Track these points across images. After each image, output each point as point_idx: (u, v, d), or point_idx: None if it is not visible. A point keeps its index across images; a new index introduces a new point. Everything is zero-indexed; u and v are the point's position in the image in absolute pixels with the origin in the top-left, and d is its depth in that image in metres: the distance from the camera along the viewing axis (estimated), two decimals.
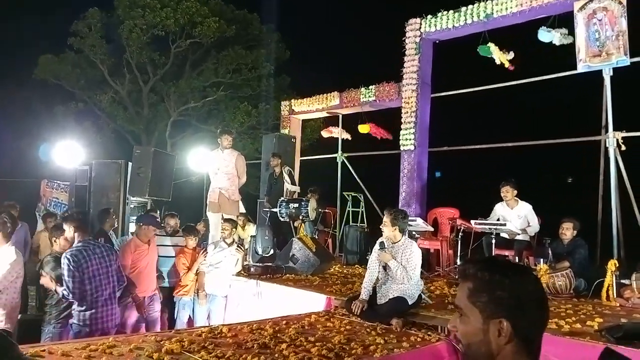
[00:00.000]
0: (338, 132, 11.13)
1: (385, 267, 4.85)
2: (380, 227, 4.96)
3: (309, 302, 5.68)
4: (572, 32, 6.92)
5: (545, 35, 7.07)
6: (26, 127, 18.37)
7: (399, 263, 4.72)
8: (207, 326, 4.50)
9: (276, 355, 3.49)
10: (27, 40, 19.36)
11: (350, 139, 11.12)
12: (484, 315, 1.31)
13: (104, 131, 19.03)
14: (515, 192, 6.82)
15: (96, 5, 17.52)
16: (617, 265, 5.47)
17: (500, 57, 7.68)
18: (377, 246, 4.95)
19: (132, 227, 8.35)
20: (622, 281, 5.53)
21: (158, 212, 8.11)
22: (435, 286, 6.15)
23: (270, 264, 7.02)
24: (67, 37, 17.66)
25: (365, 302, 4.82)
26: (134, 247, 5.54)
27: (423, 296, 5.00)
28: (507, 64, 7.73)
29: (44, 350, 3.34)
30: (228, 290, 6.50)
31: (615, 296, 5.34)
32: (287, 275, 6.80)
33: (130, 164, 8.95)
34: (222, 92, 18.17)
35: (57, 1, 20.65)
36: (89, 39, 17.37)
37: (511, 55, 7.69)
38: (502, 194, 6.86)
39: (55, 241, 4.78)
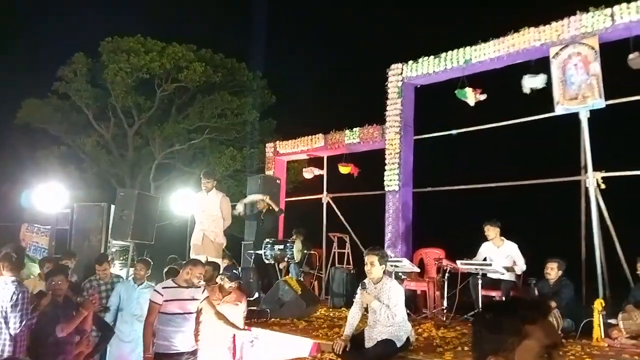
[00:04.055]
0: (320, 171, 11.15)
1: (368, 309, 4.78)
2: (367, 270, 4.81)
3: (295, 347, 5.56)
4: (548, 76, 7.16)
5: (530, 81, 7.26)
6: (7, 171, 18.15)
7: (381, 303, 4.64)
8: None
9: None
10: (8, 85, 19.37)
11: (325, 176, 11.09)
12: (480, 359, 1.29)
13: (87, 174, 18.88)
14: (498, 230, 6.86)
15: (81, 50, 17.76)
16: (603, 304, 5.48)
17: (472, 97, 7.90)
18: (360, 286, 4.90)
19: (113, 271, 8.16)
20: (609, 321, 5.53)
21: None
22: (423, 328, 6.06)
23: (254, 307, 6.87)
24: (49, 81, 17.78)
25: (348, 340, 4.69)
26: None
27: (411, 339, 4.92)
28: (472, 102, 7.94)
29: None
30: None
31: (602, 336, 5.32)
32: (273, 319, 6.67)
33: (112, 206, 8.84)
34: (207, 135, 18.27)
35: (39, 46, 20.93)
36: (75, 83, 17.48)
37: (483, 96, 7.89)
38: (485, 233, 6.90)
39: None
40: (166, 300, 4.78)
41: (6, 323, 3.96)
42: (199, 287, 5.10)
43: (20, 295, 3.98)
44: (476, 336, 1.32)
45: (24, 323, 3.99)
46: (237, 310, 5.26)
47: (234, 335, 5.08)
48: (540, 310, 1.34)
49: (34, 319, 4.12)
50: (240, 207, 8.53)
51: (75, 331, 4.67)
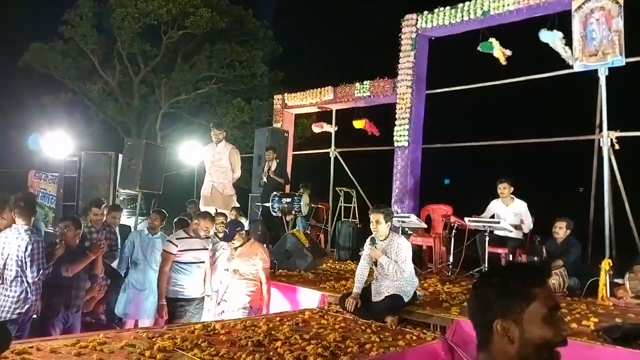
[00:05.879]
0: (329, 127, 11.03)
1: (376, 263, 4.80)
2: (373, 228, 4.81)
3: (302, 298, 5.63)
4: (569, 34, 6.89)
5: (547, 35, 7.01)
6: (13, 117, 18.09)
7: (390, 259, 4.67)
8: (200, 323, 4.43)
9: (271, 353, 3.42)
10: (14, 28, 18.99)
11: (333, 132, 10.98)
12: (486, 323, 1.29)
13: (93, 122, 18.82)
14: (512, 189, 6.81)
15: None
16: (611, 264, 5.49)
17: (500, 52, 7.61)
18: (368, 241, 4.90)
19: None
20: (615, 280, 5.56)
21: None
22: (429, 283, 6.12)
23: None
24: (55, 25, 17.43)
25: (358, 297, 4.77)
26: None
27: (418, 293, 4.97)
28: (502, 60, 7.67)
29: (32, 347, 3.25)
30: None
31: (608, 296, 5.35)
32: (280, 270, 6.75)
33: (120, 155, 8.81)
34: (214, 85, 18.04)
35: None
36: (80, 28, 17.16)
37: (509, 52, 7.62)
38: (499, 191, 6.84)
39: None
40: (180, 251, 5.06)
41: (23, 271, 4.04)
42: (209, 237, 5.42)
43: (35, 244, 4.03)
44: (483, 300, 1.32)
45: (41, 272, 4.07)
46: (249, 265, 5.18)
47: (254, 291, 5.17)
48: (545, 273, 1.38)
49: (50, 268, 4.18)
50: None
51: (88, 275, 4.74)
